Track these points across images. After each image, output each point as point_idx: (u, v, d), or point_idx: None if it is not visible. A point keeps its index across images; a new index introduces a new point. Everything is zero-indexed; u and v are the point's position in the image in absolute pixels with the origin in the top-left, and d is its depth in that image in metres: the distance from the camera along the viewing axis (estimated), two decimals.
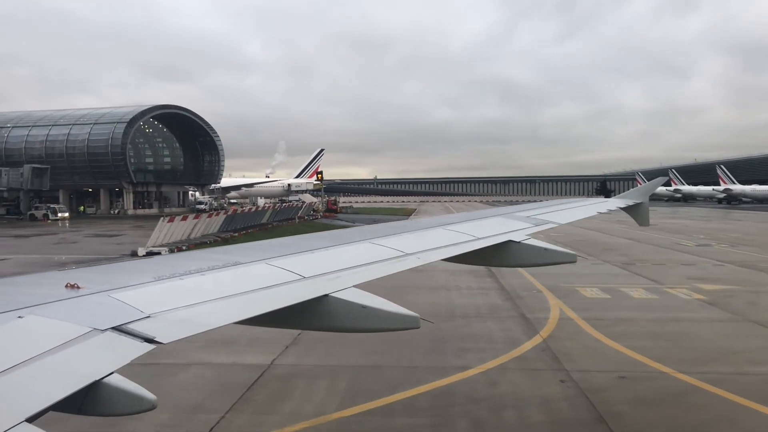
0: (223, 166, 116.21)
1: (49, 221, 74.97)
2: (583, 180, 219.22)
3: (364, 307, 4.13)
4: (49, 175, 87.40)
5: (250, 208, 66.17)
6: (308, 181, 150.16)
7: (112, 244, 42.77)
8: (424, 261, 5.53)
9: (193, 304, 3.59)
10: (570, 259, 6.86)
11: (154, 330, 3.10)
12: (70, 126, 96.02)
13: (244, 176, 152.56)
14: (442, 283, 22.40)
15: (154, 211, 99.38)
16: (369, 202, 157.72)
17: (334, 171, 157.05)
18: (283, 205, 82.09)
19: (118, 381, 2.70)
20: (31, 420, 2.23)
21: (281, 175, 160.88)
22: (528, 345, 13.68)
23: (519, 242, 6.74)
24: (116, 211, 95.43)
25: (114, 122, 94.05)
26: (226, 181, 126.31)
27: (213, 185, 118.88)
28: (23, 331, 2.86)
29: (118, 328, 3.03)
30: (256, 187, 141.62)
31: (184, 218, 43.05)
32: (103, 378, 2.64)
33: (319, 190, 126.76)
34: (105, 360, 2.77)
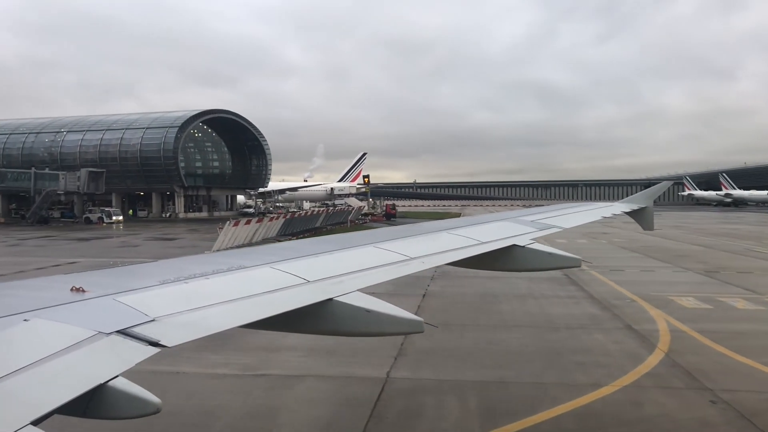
0: (270, 170, 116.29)
1: (104, 224, 75.95)
2: (627, 184, 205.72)
3: (368, 311, 4.14)
4: (104, 179, 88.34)
5: (306, 212, 66.64)
6: (351, 185, 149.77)
7: (173, 247, 42.71)
8: (429, 265, 5.53)
9: (198, 307, 3.61)
10: (574, 264, 6.79)
11: (159, 333, 3.13)
12: (123, 130, 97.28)
13: (283, 180, 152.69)
14: (525, 290, 21.55)
15: (204, 214, 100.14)
16: (410, 206, 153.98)
17: (371, 174, 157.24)
18: (336, 209, 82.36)
19: (123, 384, 2.72)
20: (36, 423, 2.25)
21: (318, 179, 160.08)
22: (653, 360, 12.83)
23: (523, 246, 6.73)
24: (168, 215, 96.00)
25: (166, 126, 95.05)
26: (269, 185, 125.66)
27: (260, 189, 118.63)
28: (29, 335, 2.89)
29: (123, 332, 3.06)
30: (300, 191, 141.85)
31: (248, 222, 43.66)
32: (108, 381, 2.66)
33: (365, 193, 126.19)
34: (110, 363, 2.79)
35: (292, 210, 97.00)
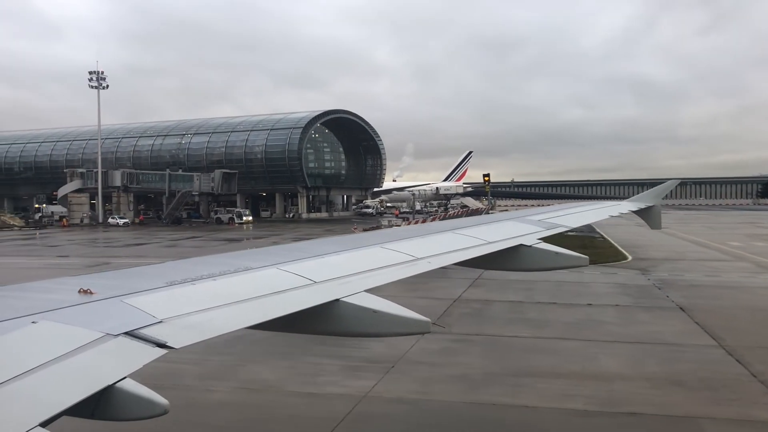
0: (385, 170, 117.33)
1: (236, 225, 76.88)
2: (739, 182, 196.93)
3: (375, 311, 4.12)
4: (236, 180, 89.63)
5: (452, 213, 66.08)
6: (457, 184, 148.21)
7: None
8: (435, 265, 5.52)
9: (205, 309, 3.61)
10: (582, 263, 6.81)
11: (166, 335, 3.13)
12: (248, 132, 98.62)
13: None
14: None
15: (325, 215, 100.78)
16: (510, 206, 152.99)
17: (459, 173, 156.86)
18: (466, 209, 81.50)
19: (131, 386, 2.72)
20: (44, 425, 2.25)
21: (408, 178, 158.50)
22: None
23: (530, 246, 6.72)
24: (291, 215, 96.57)
25: (290, 127, 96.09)
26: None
27: (375, 189, 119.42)
28: (37, 337, 2.90)
29: (130, 333, 3.06)
30: (407, 191, 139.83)
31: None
32: (115, 383, 2.66)
33: (471, 193, 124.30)
34: (117, 365, 2.79)
35: (442, 210, 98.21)
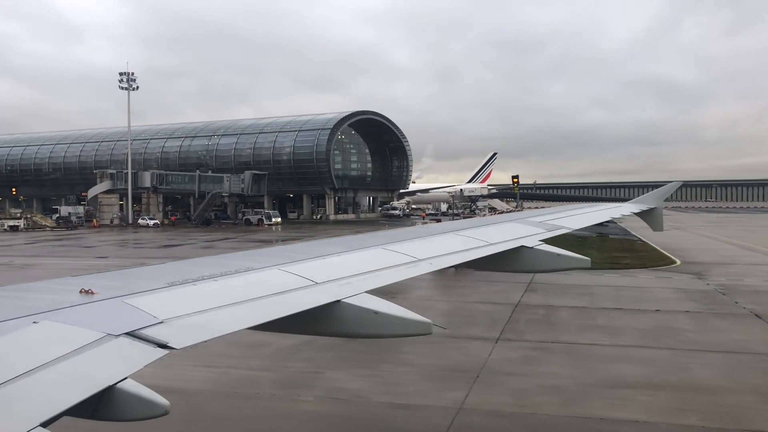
0: (411, 171, 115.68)
1: (265, 226, 76.89)
2: (760, 185, 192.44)
3: (376, 312, 4.13)
4: (266, 181, 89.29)
5: (484, 215, 65.34)
6: (481, 186, 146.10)
7: None
8: (437, 267, 5.52)
9: (206, 309, 3.62)
10: (583, 265, 6.76)
11: (167, 335, 3.13)
12: (276, 133, 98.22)
13: None
14: None
15: (352, 216, 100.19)
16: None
17: (478, 175, 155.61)
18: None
19: (132, 386, 2.73)
20: (45, 425, 2.25)
21: (427, 180, 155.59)
22: None
23: (531, 248, 6.71)
24: (318, 216, 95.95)
25: (317, 129, 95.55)
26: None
27: (401, 190, 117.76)
28: (38, 337, 2.91)
29: (131, 334, 3.06)
30: (431, 193, 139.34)
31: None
32: (116, 383, 2.67)
33: (510, 195, 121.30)
34: (118, 365, 2.80)
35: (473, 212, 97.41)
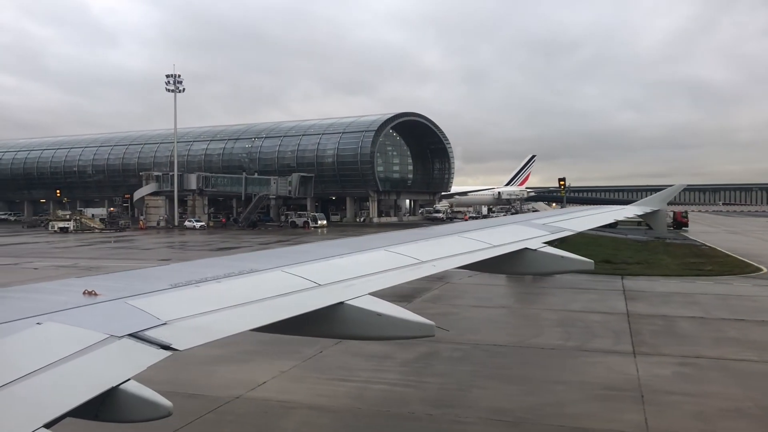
0: (453, 173, 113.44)
1: (311, 228, 76.44)
2: None
3: (379, 314, 4.12)
4: (313, 183, 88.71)
5: None
6: (520, 189, 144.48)
7: None
8: (440, 269, 5.52)
9: (210, 311, 3.62)
10: (587, 267, 6.75)
11: (171, 337, 3.13)
12: (320, 135, 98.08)
13: None
14: None
15: (394, 219, 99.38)
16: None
17: (503, 179, 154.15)
18: None
19: (135, 388, 2.73)
20: (48, 426, 2.26)
21: (456, 183, 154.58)
22: None
23: (535, 250, 6.70)
24: (362, 219, 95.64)
25: (361, 131, 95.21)
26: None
27: (443, 192, 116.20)
28: (41, 338, 2.91)
29: (134, 335, 3.06)
30: (469, 195, 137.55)
31: None
32: (119, 384, 2.67)
33: (550, 198, 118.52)
34: (122, 367, 2.80)
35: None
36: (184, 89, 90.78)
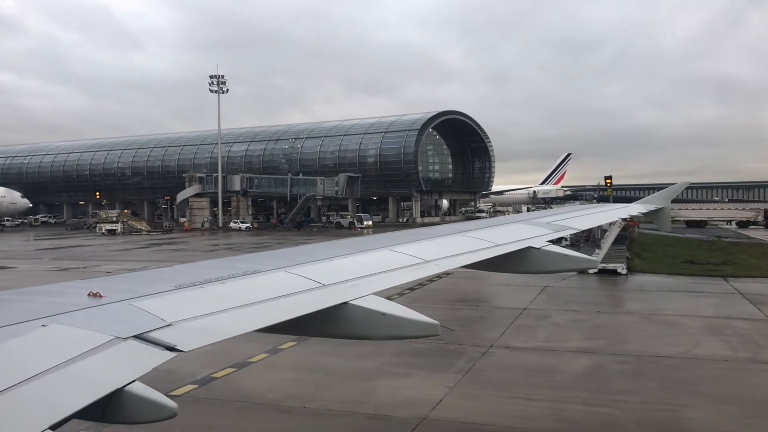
0: (494, 172, 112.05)
1: (357, 229, 76.08)
2: None
3: (383, 314, 4.12)
4: (359, 183, 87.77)
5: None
6: (556, 188, 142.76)
7: None
8: (444, 268, 5.53)
9: (214, 312, 3.62)
10: (591, 266, 6.75)
11: (175, 338, 3.14)
12: (361, 135, 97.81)
13: None
14: None
15: (437, 219, 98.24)
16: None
17: (526, 178, 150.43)
18: None
19: (140, 389, 2.73)
20: (54, 428, 2.26)
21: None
22: None
23: (539, 248, 6.70)
24: (404, 220, 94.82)
25: (404, 130, 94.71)
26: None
27: (483, 192, 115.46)
28: (47, 340, 2.92)
29: (139, 337, 3.07)
30: (505, 195, 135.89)
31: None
32: (125, 386, 2.68)
33: (604, 199, 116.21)
34: (127, 368, 2.81)
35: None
36: (227, 90, 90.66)
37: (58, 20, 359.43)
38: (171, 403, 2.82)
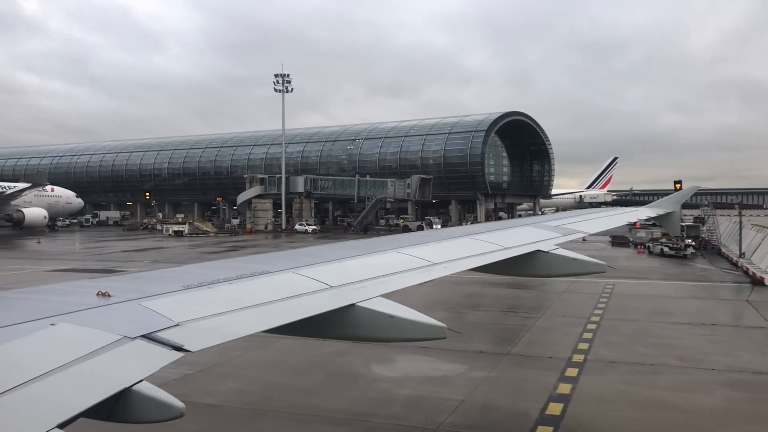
0: (554, 176, 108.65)
1: None
2: None
3: (391, 316, 4.12)
4: (431, 185, 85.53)
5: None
6: (603, 192, 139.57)
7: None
8: (452, 270, 5.50)
9: (222, 312, 3.63)
10: (600, 270, 6.70)
11: (183, 338, 3.15)
12: (423, 137, 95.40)
13: None
14: None
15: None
16: None
17: (554, 182, 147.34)
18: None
19: (148, 389, 2.74)
20: (62, 426, 2.27)
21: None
22: None
23: (547, 252, 6.67)
24: (468, 223, 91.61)
25: (469, 131, 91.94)
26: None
27: (543, 194, 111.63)
28: (55, 339, 2.93)
29: (147, 336, 3.08)
30: (553, 199, 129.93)
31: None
32: (132, 385, 2.68)
33: (621, 202, 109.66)
34: (135, 367, 2.81)
35: None
36: (292, 89, 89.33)
37: (81, 22, 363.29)
38: (178, 403, 2.82)
